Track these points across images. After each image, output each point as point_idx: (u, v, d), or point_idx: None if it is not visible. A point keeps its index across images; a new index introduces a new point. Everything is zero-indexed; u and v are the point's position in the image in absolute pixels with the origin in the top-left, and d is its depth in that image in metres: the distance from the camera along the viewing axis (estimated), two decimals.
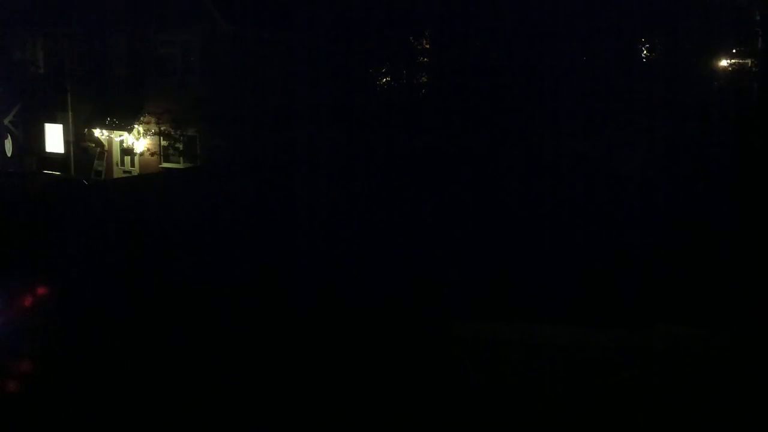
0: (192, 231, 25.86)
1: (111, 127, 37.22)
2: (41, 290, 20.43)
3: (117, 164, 37.98)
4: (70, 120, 38.64)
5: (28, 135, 39.95)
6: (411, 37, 32.63)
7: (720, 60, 31.92)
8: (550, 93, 29.58)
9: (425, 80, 33.35)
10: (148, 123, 36.30)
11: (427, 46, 33.28)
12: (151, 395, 15.00)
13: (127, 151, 37.41)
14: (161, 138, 36.12)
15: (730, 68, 31.66)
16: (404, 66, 32.62)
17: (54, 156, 39.24)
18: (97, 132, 37.55)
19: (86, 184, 34.20)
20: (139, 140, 36.77)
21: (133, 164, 37.48)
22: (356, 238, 25.03)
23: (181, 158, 35.96)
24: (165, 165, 36.27)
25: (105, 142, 37.74)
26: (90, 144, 38.17)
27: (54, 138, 39.59)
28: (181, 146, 35.65)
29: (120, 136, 37.39)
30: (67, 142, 39.07)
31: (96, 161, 37.88)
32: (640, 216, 25.94)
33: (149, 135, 36.47)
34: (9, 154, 39.86)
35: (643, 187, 27.86)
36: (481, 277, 21.16)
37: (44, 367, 16.44)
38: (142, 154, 36.85)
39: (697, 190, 26.99)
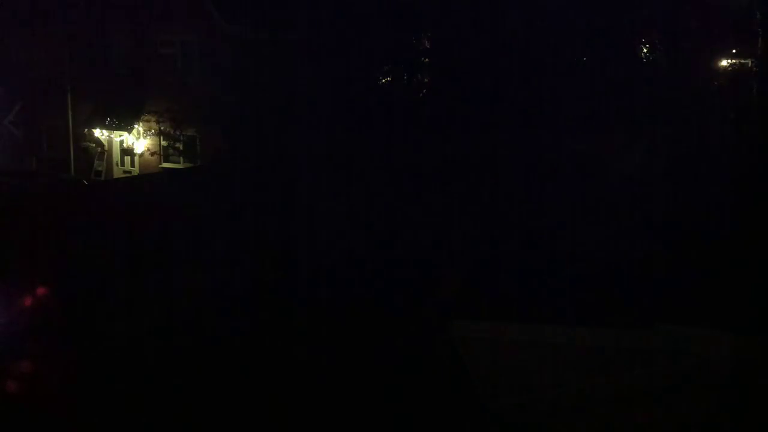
0: (192, 231, 25.85)
1: (111, 127, 37.21)
2: (41, 290, 20.43)
3: (117, 164, 37.97)
4: (70, 120, 38.63)
5: (28, 135, 39.92)
6: (412, 37, 32.62)
7: (720, 60, 31.91)
8: (550, 93, 29.56)
9: (426, 80, 33.33)
10: (148, 123, 36.28)
11: (428, 46, 33.27)
12: (150, 396, 15.01)
13: (127, 151, 37.40)
14: (161, 138, 36.08)
15: (730, 68, 31.65)
16: (405, 66, 32.60)
17: (54, 156, 39.21)
18: (97, 132, 37.54)
19: (86, 184, 34.21)
20: (139, 140, 36.76)
21: (133, 164, 37.48)
22: (356, 238, 25.03)
23: (181, 158, 35.93)
24: (165, 165, 36.25)
25: (105, 142, 37.73)
26: (90, 144, 38.16)
27: (54, 138, 39.57)
28: (181, 146, 35.63)
29: (120, 136, 37.38)
30: (67, 142, 39.04)
31: (96, 161, 37.87)
32: (640, 216, 25.94)
33: (149, 135, 36.45)
34: (9, 154, 39.83)
35: (643, 187, 27.86)
36: (481, 277, 21.16)
37: (44, 367, 16.44)
38: (142, 154, 36.85)
39: (697, 189, 26.98)
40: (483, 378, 9.43)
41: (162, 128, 35.63)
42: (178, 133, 35.34)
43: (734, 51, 31.44)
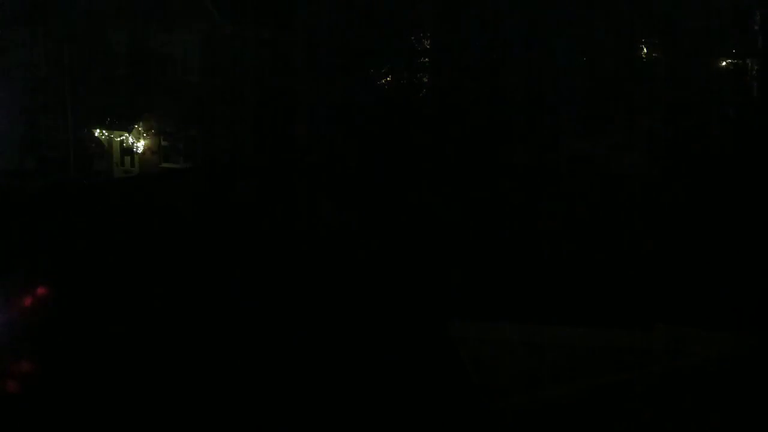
0: (192, 230, 25.85)
1: (111, 127, 37.23)
2: (41, 290, 20.42)
3: (117, 164, 37.99)
4: (70, 120, 38.64)
5: (28, 135, 39.93)
6: (411, 38, 32.64)
7: (720, 60, 31.90)
8: (550, 93, 29.57)
9: (425, 80, 33.36)
10: (148, 123, 36.30)
11: (428, 46, 33.29)
12: (150, 396, 15.00)
13: (127, 151, 37.42)
14: (161, 138, 36.12)
15: (730, 68, 31.65)
16: (405, 66, 32.62)
17: (54, 156, 39.24)
18: (97, 132, 37.55)
19: (86, 184, 34.21)
20: (139, 140, 36.77)
21: (133, 164, 37.49)
22: (356, 237, 25.02)
23: (181, 158, 35.96)
24: (165, 165, 36.28)
25: (105, 142, 37.74)
26: (90, 144, 38.18)
27: (54, 138, 39.59)
28: (181, 146, 35.68)
29: (120, 136, 37.39)
30: (67, 142, 39.06)
31: (96, 161, 37.89)
32: (640, 216, 25.94)
33: (149, 135, 36.47)
34: (9, 154, 39.85)
35: (643, 187, 27.86)
36: (482, 277, 21.15)
37: (44, 367, 16.44)
38: (142, 153, 36.87)
39: (697, 189, 26.98)
40: (483, 378, 9.44)
41: (162, 128, 35.67)
42: (178, 133, 35.39)
43: (734, 51, 31.43)
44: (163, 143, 36.28)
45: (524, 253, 23.47)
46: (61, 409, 14.55)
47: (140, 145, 36.76)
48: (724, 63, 31.94)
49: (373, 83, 32.82)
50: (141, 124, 36.56)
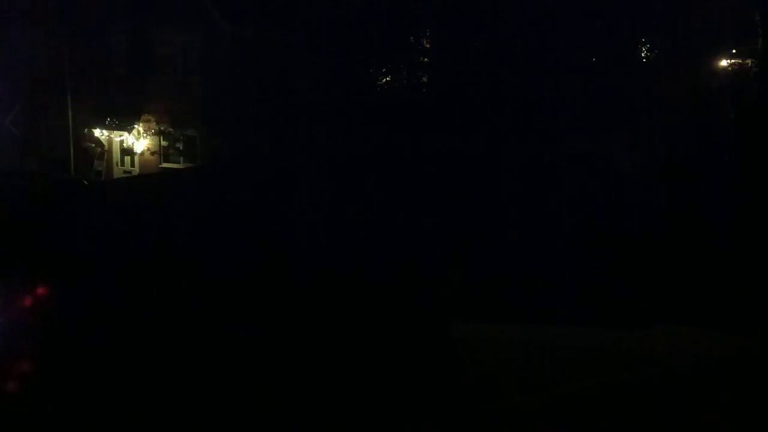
0: (192, 231, 25.85)
1: (111, 127, 37.22)
2: (41, 290, 20.42)
3: (117, 164, 37.98)
4: (70, 120, 38.63)
5: (28, 135, 39.92)
6: (411, 37, 32.66)
7: (720, 60, 31.95)
8: (550, 93, 29.58)
9: (425, 80, 33.38)
10: (148, 123, 36.31)
11: (428, 46, 33.31)
12: (150, 397, 15.01)
13: (127, 151, 37.42)
14: (161, 138, 36.12)
15: (730, 68, 31.69)
16: (405, 66, 32.64)
17: (54, 156, 39.22)
18: (97, 132, 37.54)
19: (86, 184, 34.20)
20: (139, 140, 36.77)
21: (133, 164, 37.49)
22: (356, 238, 25.03)
23: (181, 158, 35.96)
24: (165, 165, 36.27)
25: (105, 142, 37.73)
26: (90, 144, 38.17)
27: (54, 138, 39.58)
28: (181, 146, 35.67)
29: (120, 136, 37.39)
30: (67, 142, 39.04)
31: (96, 161, 37.88)
32: (640, 216, 25.94)
33: (149, 135, 36.47)
34: (9, 154, 39.81)
35: (643, 187, 27.86)
36: (482, 277, 21.16)
37: (44, 367, 16.44)
38: (142, 154, 36.86)
39: (697, 190, 26.98)
40: (483, 378, 9.44)
41: (162, 128, 35.68)
42: (178, 133, 35.39)
43: (734, 51, 31.48)
44: (163, 143, 36.28)
45: (524, 252, 23.48)
46: (61, 409, 14.55)
47: (140, 146, 36.76)
48: (724, 63, 31.99)
49: (372, 83, 32.84)
50: (141, 124, 36.56)
